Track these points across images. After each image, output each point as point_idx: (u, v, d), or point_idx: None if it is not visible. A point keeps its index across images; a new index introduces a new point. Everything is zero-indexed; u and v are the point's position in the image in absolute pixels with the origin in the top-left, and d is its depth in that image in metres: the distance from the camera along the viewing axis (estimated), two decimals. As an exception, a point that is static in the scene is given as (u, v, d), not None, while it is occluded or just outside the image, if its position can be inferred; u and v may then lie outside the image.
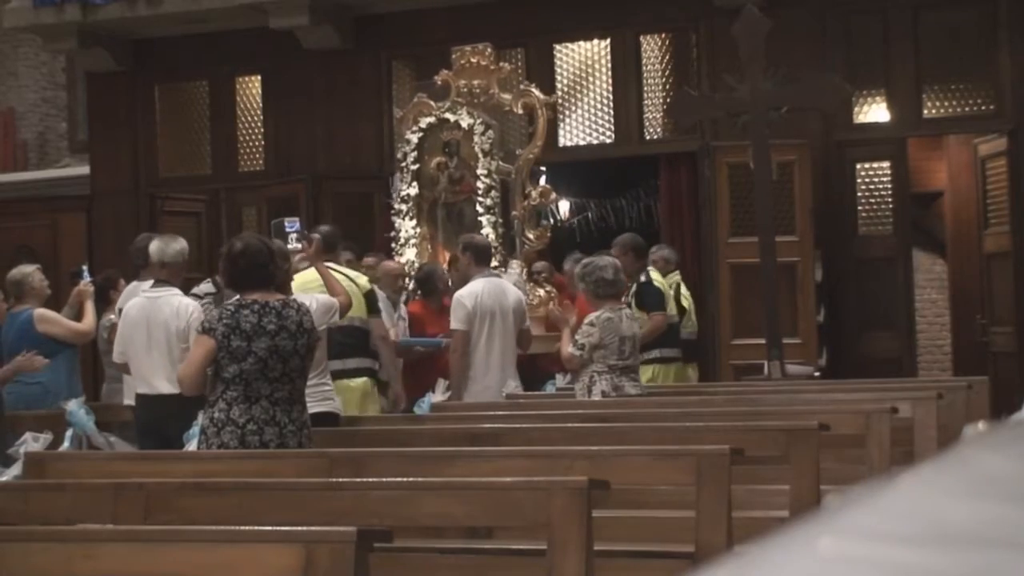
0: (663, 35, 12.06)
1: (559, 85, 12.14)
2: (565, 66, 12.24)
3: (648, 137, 12.10)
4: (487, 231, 9.85)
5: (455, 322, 8.47)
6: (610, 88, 12.07)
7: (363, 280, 8.19)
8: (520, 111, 10.55)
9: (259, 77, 13.16)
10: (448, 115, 10.27)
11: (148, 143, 13.39)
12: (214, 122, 13.27)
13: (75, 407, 7.35)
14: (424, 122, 10.32)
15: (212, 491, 4.25)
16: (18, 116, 14.91)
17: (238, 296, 5.71)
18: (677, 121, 11.38)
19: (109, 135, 13.47)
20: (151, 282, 7.57)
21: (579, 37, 12.21)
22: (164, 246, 7.54)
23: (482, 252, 8.78)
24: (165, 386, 7.15)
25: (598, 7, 11.92)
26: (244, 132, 13.25)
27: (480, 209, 10.03)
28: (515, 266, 9.84)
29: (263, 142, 13.15)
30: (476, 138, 10.12)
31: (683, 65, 12.03)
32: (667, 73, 12.03)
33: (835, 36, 11.43)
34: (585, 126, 12.21)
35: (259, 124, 13.18)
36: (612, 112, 12.07)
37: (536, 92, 10.41)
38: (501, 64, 10.56)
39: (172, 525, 3.97)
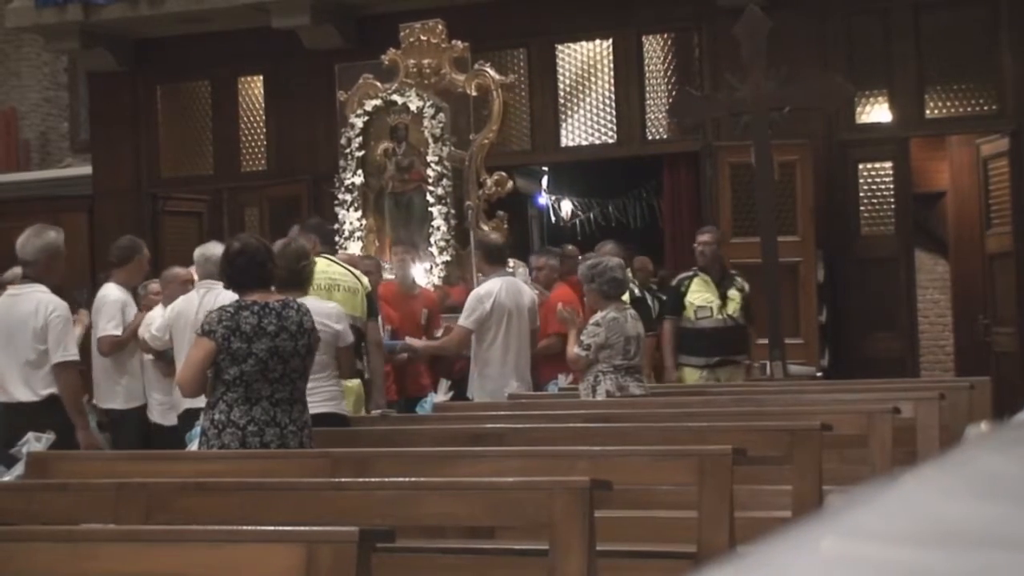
0: (665, 35, 12.06)
1: (561, 85, 12.13)
2: (567, 66, 12.22)
3: (650, 137, 12.08)
4: (438, 222, 9.32)
5: (465, 319, 8.36)
6: (612, 88, 12.06)
7: (366, 280, 7.80)
8: (474, 93, 9.81)
9: (261, 77, 13.15)
10: (396, 97, 9.59)
11: (150, 143, 13.39)
12: (216, 122, 13.27)
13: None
14: (369, 105, 9.63)
15: (214, 491, 4.25)
16: (20, 116, 14.93)
17: (237, 297, 5.70)
18: (679, 121, 11.37)
19: (111, 135, 13.47)
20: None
21: (581, 37, 12.20)
22: (25, 241, 6.68)
23: (494, 250, 8.61)
24: (22, 393, 6.65)
25: (600, 7, 11.91)
26: (246, 132, 13.24)
27: (431, 199, 9.47)
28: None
29: (265, 142, 13.14)
30: (426, 122, 9.50)
31: (685, 65, 12.02)
32: (669, 73, 12.02)
33: (837, 36, 11.43)
34: (587, 126, 12.20)
35: (261, 124, 13.18)
36: (614, 112, 12.06)
37: (491, 72, 9.85)
38: (453, 42, 9.96)
39: (174, 525, 3.97)
